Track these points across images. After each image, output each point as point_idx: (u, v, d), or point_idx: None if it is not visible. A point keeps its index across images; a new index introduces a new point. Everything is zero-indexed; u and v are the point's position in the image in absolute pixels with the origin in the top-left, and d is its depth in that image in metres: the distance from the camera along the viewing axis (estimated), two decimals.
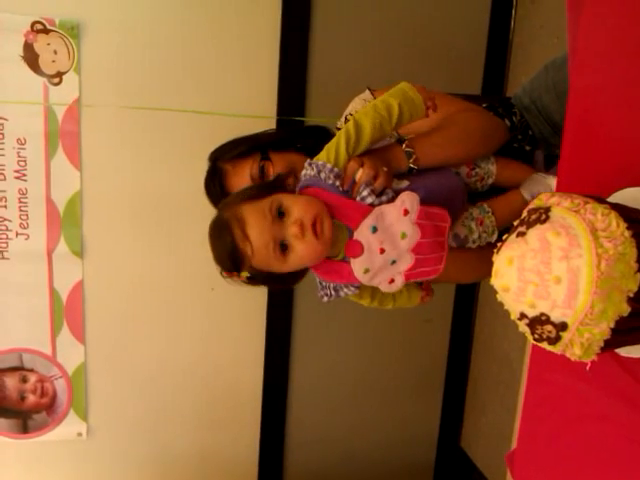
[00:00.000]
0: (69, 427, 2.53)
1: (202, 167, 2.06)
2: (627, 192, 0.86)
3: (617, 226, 0.73)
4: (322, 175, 1.12)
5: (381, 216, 1.09)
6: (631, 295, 0.72)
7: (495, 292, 0.82)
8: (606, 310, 0.72)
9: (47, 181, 2.28)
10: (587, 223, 0.73)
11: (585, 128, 0.99)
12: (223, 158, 1.44)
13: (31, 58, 2.18)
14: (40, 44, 2.17)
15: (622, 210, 0.77)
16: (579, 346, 0.75)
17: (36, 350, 2.42)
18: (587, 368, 0.80)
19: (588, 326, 0.73)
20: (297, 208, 1.08)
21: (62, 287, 2.38)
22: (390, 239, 1.10)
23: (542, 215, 0.77)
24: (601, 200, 0.79)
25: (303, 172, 1.16)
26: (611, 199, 0.84)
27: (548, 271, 0.74)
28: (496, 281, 0.81)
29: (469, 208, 1.27)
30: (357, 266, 1.11)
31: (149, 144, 2.35)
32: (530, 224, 0.78)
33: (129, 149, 2.34)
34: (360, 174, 1.10)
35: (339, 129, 1.24)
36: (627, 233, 0.73)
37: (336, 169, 1.11)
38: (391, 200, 1.10)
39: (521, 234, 0.78)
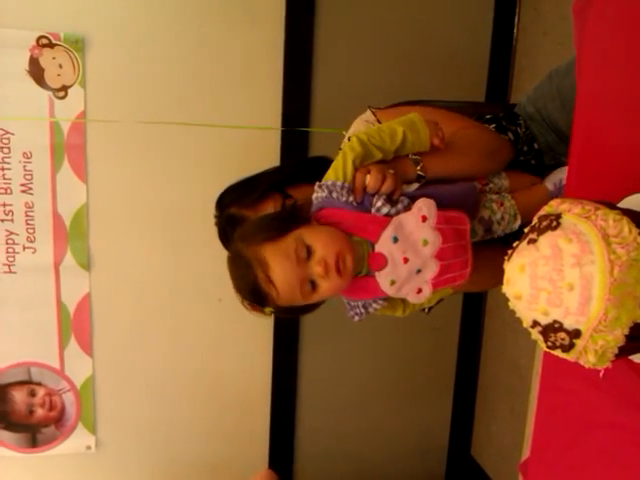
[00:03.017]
0: (78, 440, 2.52)
1: (207, 179, 2.08)
2: (637, 197, 0.86)
3: (629, 232, 0.73)
4: (334, 195, 1.11)
5: (400, 225, 1.09)
6: None
7: (504, 299, 0.82)
8: (620, 316, 0.72)
9: (53, 194, 2.28)
10: (599, 229, 0.73)
11: (593, 134, 0.99)
12: (240, 204, 1.39)
13: (37, 72, 2.19)
14: (45, 58, 2.18)
15: (634, 216, 0.76)
16: (593, 353, 0.74)
17: (44, 364, 2.42)
18: (601, 375, 0.79)
19: (602, 333, 0.72)
20: (320, 245, 1.07)
21: (69, 300, 2.38)
22: (412, 247, 1.09)
23: (553, 222, 0.77)
24: (612, 206, 0.78)
25: (314, 195, 1.15)
26: (621, 205, 0.84)
27: (560, 278, 0.73)
28: (508, 289, 0.80)
29: (487, 194, 1.27)
30: (383, 279, 1.10)
31: (154, 157, 2.35)
32: (541, 231, 0.78)
33: (135, 162, 2.35)
34: (369, 180, 1.10)
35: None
36: (639, 239, 0.72)
37: (347, 184, 1.10)
38: (407, 208, 1.10)
39: (532, 241, 0.78)
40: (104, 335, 2.45)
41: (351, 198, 1.10)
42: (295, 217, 1.12)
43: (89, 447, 2.54)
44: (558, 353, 0.78)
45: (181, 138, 2.34)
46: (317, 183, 1.15)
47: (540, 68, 1.60)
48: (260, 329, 2.59)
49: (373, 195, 1.10)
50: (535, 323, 0.77)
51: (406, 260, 1.09)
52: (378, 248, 1.09)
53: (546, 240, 0.76)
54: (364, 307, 1.18)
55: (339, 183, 1.11)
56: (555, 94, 1.44)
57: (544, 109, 1.45)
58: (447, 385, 2.97)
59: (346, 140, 1.40)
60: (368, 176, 1.10)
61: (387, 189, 1.10)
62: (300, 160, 2.23)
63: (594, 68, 0.98)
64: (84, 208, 2.32)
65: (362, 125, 1.38)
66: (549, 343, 0.77)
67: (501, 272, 0.82)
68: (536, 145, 1.44)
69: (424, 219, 1.08)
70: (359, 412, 2.87)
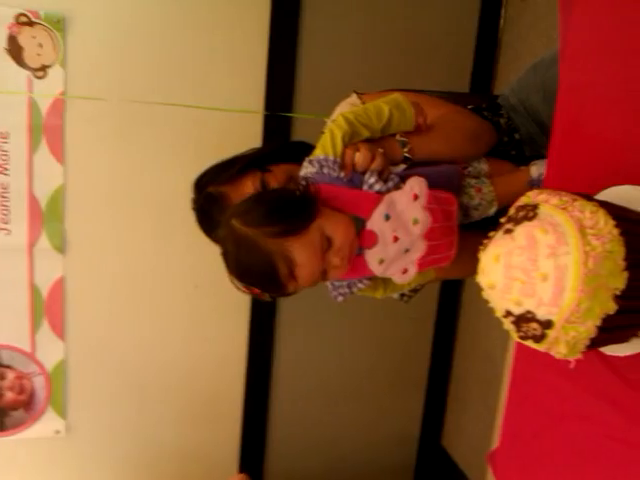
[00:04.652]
0: (47, 424, 2.49)
1: (188, 162, 2.06)
2: (615, 190, 0.86)
3: (605, 224, 0.73)
4: (325, 170, 1.11)
5: (392, 203, 1.08)
6: (618, 293, 0.72)
7: (479, 290, 0.82)
8: (592, 308, 0.72)
9: (29, 175, 2.24)
10: (575, 220, 0.73)
11: (573, 126, 0.99)
12: (218, 181, 1.36)
13: (15, 51, 2.14)
14: (24, 37, 2.14)
15: (610, 208, 0.77)
16: (564, 344, 0.75)
17: (15, 347, 2.38)
18: (571, 366, 0.80)
19: (574, 324, 0.73)
20: (339, 236, 1.06)
21: (43, 283, 2.35)
22: (403, 226, 1.09)
23: (530, 212, 0.77)
24: (589, 198, 0.79)
25: (303, 172, 1.15)
26: (599, 197, 0.84)
27: (535, 268, 0.73)
28: (482, 278, 0.80)
29: (466, 178, 1.28)
30: (372, 257, 1.10)
31: (134, 138, 2.32)
32: (517, 221, 0.78)
33: (114, 143, 2.31)
34: (358, 158, 1.10)
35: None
36: (615, 231, 0.73)
37: (339, 159, 1.10)
38: (397, 186, 1.10)
39: (508, 231, 0.78)
40: (77, 319, 2.42)
41: (342, 174, 1.10)
42: (314, 202, 1.07)
43: (58, 431, 2.51)
44: (530, 343, 0.78)
45: (162, 120, 2.31)
46: (306, 159, 1.15)
47: (525, 60, 1.60)
48: (236, 316, 2.58)
49: (362, 173, 1.11)
50: (508, 313, 0.77)
51: (396, 239, 1.09)
52: (370, 225, 1.09)
53: (522, 230, 0.76)
54: (348, 287, 1.18)
55: (331, 158, 1.11)
56: (539, 86, 1.44)
57: (527, 100, 1.46)
58: (421, 375, 2.99)
59: (329, 124, 1.40)
60: (357, 154, 1.10)
61: (376, 167, 1.10)
62: (280, 143, 2.21)
63: (577, 59, 0.98)
64: (61, 190, 2.28)
65: (347, 108, 1.37)
66: (521, 333, 0.77)
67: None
68: (517, 136, 1.44)
69: (415, 197, 1.08)
70: (332, 401, 2.88)
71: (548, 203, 0.77)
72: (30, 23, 2.13)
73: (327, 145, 1.12)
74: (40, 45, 2.15)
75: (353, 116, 1.14)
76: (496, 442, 1.17)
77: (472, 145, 1.29)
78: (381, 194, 1.09)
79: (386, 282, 1.21)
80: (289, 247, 1.04)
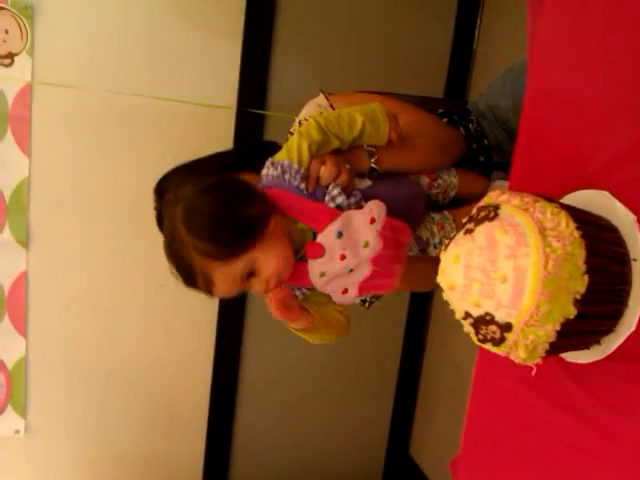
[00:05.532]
0: (6, 423, 2.43)
1: (157, 156, 2.01)
2: (578, 194, 0.85)
3: (566, 226, 0.71)
4: (286, 177, 1.09)
5: (348, 221, 1.07)
6: (578, 297, 0.71)
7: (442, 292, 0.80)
8: (552, 312, 0.70)
9: None
10: (536, 222, 0.72)
11: (539, 131, 0.98)
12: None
13: None
14: None
15: (572, 211, 0.75)
16: (524, 348, 0.73)
17: None
18: (533, 373, 0.78)
19: (533, 327, 0.71)
20: (269, 269, 1.07)
21: (5, 277, 2.29)
22: (353, 246, 1.08)
23: (491, 212, 0.76)
24: (551, 200, 0.77)
25: (264, 172, 1.13)
26: (563, 201, 0.83)
27: (494, 269, 0.72)
28: (442, 278, 0.79)
29: (431, 213, 1.27)
30: (314, 268, 1.09)
31: (103, 131, 2.28)
32: (478, 221, 0.76)
33: (82, 136, 2.27)
34: (323, 172, 1.09)
35: (292, 134, 1.21)
36: (576, 233, 0.71)
37: (302, 170, 1.09)
38: (358, 203, 1.10)
39: (469, 231, 0.77)
40: (40, 316, 2.37)
41: (303, 185, 1.09)
42: (258, 230, 1.06)
43: (17, 431, 2.45)
44: (489, 347, 0.76)
45: (131, 113, 2.27)
46: (270, 159, 1.12)
47: (499, 70, 1.63)
48: (203, 317, 2.55)
49: (325, 186, 1.10)
50: (467, 315, 0.76)
51: (343, 257, 1.07)
52: (320, 239, 1.08)
53: (482, 230, 0.75)
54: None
55: (295, 167, 1.09)
56: (508, 94, 1.43)
57: (496, 108, 1.45)
58: (389, 383, 2.97)
59: (296, 124, 1.37)
60: (323, 167, 1.09)
61: (341, 182, 1.09)
62: (249, 145, 2.18)
63: (544, 64, 0.98)
64: (25, 182, 2.23)
65: (314, 108, 1.35)
66: (480, 336, 0.76)
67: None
68: (486, 142, 1.43)
69: (372, 221, 1.07)
70: (299, 408, 2.86)
71: (509, 204, 0.75)
72: None
73: (293, 151, 1.10)
74: (6, 31, 2.10)
75: (325, 123, 1.12)
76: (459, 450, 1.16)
77: (441, 155, 1.28)
78: (341, 209, 1.08)
79: (328, 326, 1.19)
80: (210, 269, 1.05)
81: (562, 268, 0.70)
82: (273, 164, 1.11)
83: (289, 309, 1.12)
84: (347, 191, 1.10)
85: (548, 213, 0.72)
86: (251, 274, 1.08)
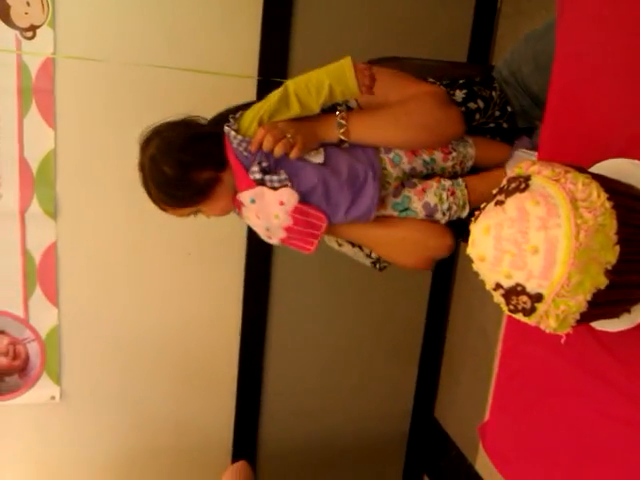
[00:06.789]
0: (42, 390, 2.49)
1: None
2: (609, 163, 0.84)
3: (598, 196, 0.71)
4: (229, 139, 1.25)
5: (261, 195, 1.23)
6: (609, 267, 0.71)
7: (472, 263, 0.80)
8: (583, 282, 0.71)
9: (20, 139, 2.20)
10: (567, 192, 0.71)
11: (568, 99, 0.97)
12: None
13: (2, 8, 2.08)
14: None
15: (603, 181, 0.75)
16: (554, 318, 0.74)
17: (8, 312, 2.37)
18: (562, 341, 0.79)
19: (564, 298, 0.71)
20: (212, 214, 1.33)
21: (35, 248, 2.33)
22: (265, 214, 1.26)
23: (522, 184, 0.75)
24: (582, 170, 0.77)
25: (227, 128, 1.26)
26: (592, 170, 0.82)
27: (525, 241, 0.72)
28: (472, 250, 0.79)
29: (442, 180, 1.29)
30: (242, 212, 1.31)
31: (126, 102, 2.27)
32: (509, 192, 0.76)
33: (106, 107, 2.27)
34: (265, 140, 1.20)
35: None
36: (608, 204, 0.71)
37: (239, 137, 1.23)
38: (282, 182, 1.22)
39: (499, 202, 0.76)
40: (70, 285, 2.41)
41: (241, 148, 1.23)
42: (200, 195, 1.27)
43: (53, 397, 2.52)
44: (519, 317, 0.77)
45: (154, 83, 2.26)
46: (231, 117, 1.27)
47: (523, 32, 1.59)
48: (230, 283, 2.57)
49: (269, 152, 1.21)
50: (498, 286, 0.76)
51: (258, 217, 1.27)
52: (239, 197, 1.27)
53: (513, 202, 0.74)
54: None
55: (232, 133, 1.23)
56: (530, 57, 1.41)
57: (518, 72, 1.43)
58: (414, 347, 2.99)
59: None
60: (268, 136, 1.19)
61: (277, 153, 1.20)
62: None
63: (573, 31, 0.96)
64: (52, 154, 2.25)
65: None
66: (511, 306, 0.76)
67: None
68: (509, 108, 1.42)
69: (281, 203, 1.23)
70: (326, 370, 2.88)
71: (540, 174, 0.75)
72: None
73: (246, 118, 1.25)
74: (28, 4, 2.10)
75: (294, 88, 1.22)
76: (487, 415, 1.17)
77: (427, 135, 1.28)
78: (262, 183, 1.23)
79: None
80: (164, 207, 1.33)
81: (593, 239, 0.70)
82: (229, 126, 1.25)
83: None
84: (292, 156, 1.20)
85: (579, 184, 0.72)
86: (197, 213, 1.33)
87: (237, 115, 1.28)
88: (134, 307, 2.52)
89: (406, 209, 1.29)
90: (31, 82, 2.16)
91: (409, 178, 1.30)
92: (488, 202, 0.80)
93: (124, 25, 2.22)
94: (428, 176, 1.33)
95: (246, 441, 2.84)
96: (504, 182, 0.79)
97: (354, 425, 3.00)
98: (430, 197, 1.27)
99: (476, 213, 0.80)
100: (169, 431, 2.72)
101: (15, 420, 2.52)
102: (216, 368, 2.70)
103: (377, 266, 1.42)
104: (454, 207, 1.28)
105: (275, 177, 1.22)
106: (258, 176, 1.22)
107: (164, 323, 2.56)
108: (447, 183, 1.28)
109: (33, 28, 2.12)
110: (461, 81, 1.41)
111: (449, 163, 1.32)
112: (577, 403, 0.94)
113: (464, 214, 1.29)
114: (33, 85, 2.17)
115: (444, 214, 1.28)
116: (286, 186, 1.22)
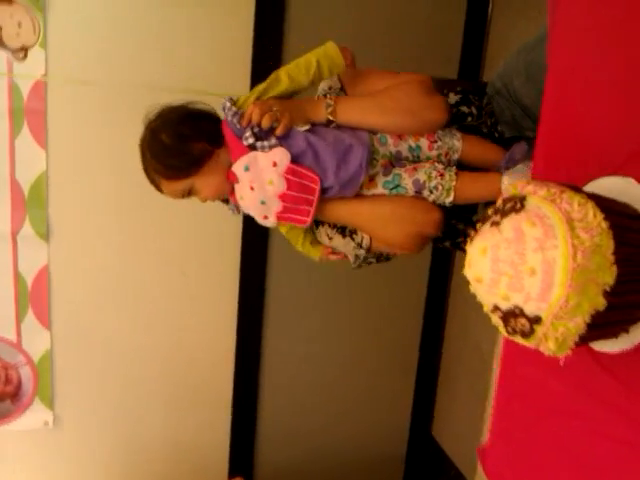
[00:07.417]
0: (35, 416, 2.47)
1: None
2: (604, 182, 0.84)
3: (594, 216, 0.70)
4: (224, 113, 1.32)
5: (254, 160, 1.28)
6: (607, 289, 0.70)
7: (469, 284, 0.79)
8: (581, 304, 0.69)
9: (11, 161, 2.20)
10: (563, 213, 0.71)
11: (561, 115, 0.96)
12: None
13: None
14: (2, 15, 2.07)
15: (599, 200, 0.74)
16: (553, 341, 0.72)
17: (0, 336, 2.35)
18: (561, 363, 0.78)
19: (563, 320, 0.70)
20: (204, 193, 1.35)
21: (27, 271, 2.31)
22: (259, 181, 1.29)
23: (517, 204, 0.75)
24: (578, 189, 0.76)
25: (222, 104, 1.34)
26: (587, 188, 0.82)
27: (522, 262, 0.71)
28: (469, 271, 0.78)
29: (435, 163, 1.34)
30: (237, 190, 1.34)
31: (118, 123, 2.27)
32: (505, 213, 0.75)
33: (97, 128, 2.27)
34: (254, 114, 1.27)
35: None
36: (604, 224, 0.70)
37: (234, 108, 1.30)
38: (272, 146, 1.27)
39: (495, 223, 0.75)
40: (63, 308, 2.39)
41: (235, 120, 1.29)
42: (194, 167, 1.32)
43: (47, 423, 2.49)
44: (518, 339, 0.76)
45: (144, 104, 2.25)
46: (227, 97, 1.33)
47: (514, 47, 1.61)
48: (224, 303, 2.56)
49: (257, 126, 1.28)
50: (495, 308, 0.75)
51: (252, 189, 1.30)
52: (233, 168, 1.31)
53: (509, 223, 0.74)
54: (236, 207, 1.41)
55: (228, 104, 1.31)
56: (521, 69, 1.43)
57: (510, 84, 1.45)
58: (410, 364, 2.98)
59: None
60: (256, 110, 1.27)
61: (265, 125, 1.26)
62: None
63: (565, 44, 0.95)
64: (44, 176, 2.24)
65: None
66: (509, 329, 0.75)
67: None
68: (493, 119, 1.45)
69: (274, 164, 1.27)
70: (322, 389, 2.87)
71: (536, 195, 0.74)
72: (9, 1, 2.07)
73: (243, 98, 1.33)
74: (19, 24, 2.10)
75: (285, 69, 1.33)
76: (485, 432, 1.16)
77: (407, 117, 1.34)
78: (254, 148, 1.28)
79: (306, 235, 1.41)
80: (159, 181, 1.36)
81: (590, 259, 0.69)
82: (225, 104, 1.33)
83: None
84: (278, 132, 1.26)
85: (575, 204, 0.71)
86: (190, 192, 1.35)
87: (227, 98, 1.36)
88: (127, 329, 2.50)
89: (397, 186, 1.33)
90: (23, 103, 2.16)
91: (397, 161, 1.35)
92: (484, 220, 0.79)
93: (115, 45, 2.22)
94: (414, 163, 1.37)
95: (242, 461, 2.81)
96: (499, 202, 0.78)
97: (351, 444, 2.98)
98: (420, 174, 1.31)
99: (472, 234, 0.80)
100: (165, 452, 2.69)
101: (8, 447, 2.49)
102: (211, 387, 2.68)
103: (367, 260, 1.42)
104: (440, 187, 1.31)
105: (266, 142, 1.27)
106: (251, 140, 1.27)
107: (158, 345, 2.54)
108: (439, 166, 1.33)
109: (24, 49, 2.12)
110: (459, 89, 1.45)
111: (434, 152, 1.36)
112: (577, 424, 0.92)
113: (448, 200, 1.32)
114: (25, 106, 2.17)
115: (431, 192, 1.32)
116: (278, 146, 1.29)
